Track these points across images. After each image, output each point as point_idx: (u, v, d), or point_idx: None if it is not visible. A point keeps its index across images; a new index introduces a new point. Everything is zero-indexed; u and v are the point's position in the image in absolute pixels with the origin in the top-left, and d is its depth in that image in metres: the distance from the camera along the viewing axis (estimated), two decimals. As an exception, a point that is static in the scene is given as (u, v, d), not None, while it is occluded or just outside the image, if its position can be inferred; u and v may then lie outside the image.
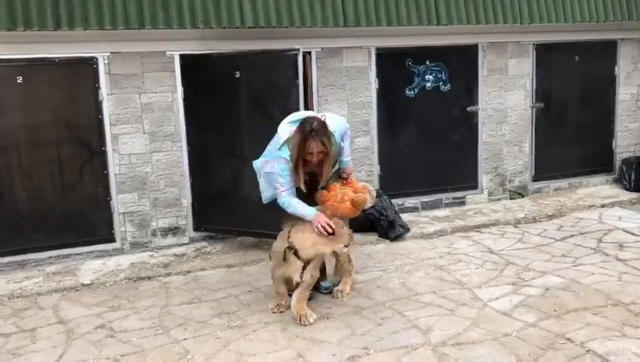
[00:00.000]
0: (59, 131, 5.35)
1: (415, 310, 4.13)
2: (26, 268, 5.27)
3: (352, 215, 4.21)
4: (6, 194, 5.26)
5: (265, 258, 4.96)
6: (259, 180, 4.30)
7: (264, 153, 4.26)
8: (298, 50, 5.23)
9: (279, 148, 3.99)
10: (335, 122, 4.17)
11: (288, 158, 3.96)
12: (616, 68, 7.40)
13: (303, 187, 4.08)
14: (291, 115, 4.15)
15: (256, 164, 4.30)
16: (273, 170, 4.06)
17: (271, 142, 4.19)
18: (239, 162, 5.40)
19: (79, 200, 5.49)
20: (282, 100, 5.25)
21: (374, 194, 4.41)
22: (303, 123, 3.92)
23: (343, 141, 4.23)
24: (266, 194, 4.28)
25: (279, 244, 4.08)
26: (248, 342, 3.76)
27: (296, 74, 5.34)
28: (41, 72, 5.24)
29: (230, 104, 5.62)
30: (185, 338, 3.84)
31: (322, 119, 4.00)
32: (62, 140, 5.37)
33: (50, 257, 5.38)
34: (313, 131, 3.85)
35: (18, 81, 5.16)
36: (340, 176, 4.32)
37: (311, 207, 4.04)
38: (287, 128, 4.01)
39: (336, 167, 4.30)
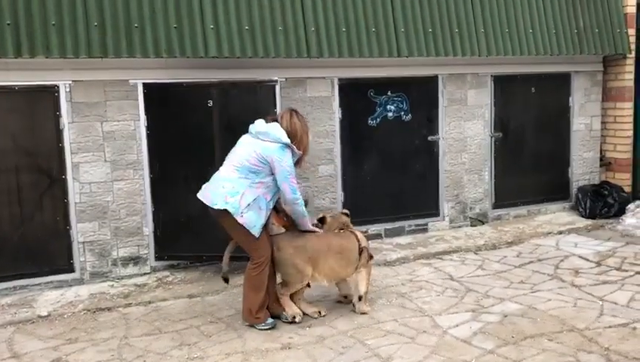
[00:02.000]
0: (18, 159, 5.27)
1: (376, 338, 4.15)
2: (-20, 300, 5.13)
3: None
4: (-40, 223, 5.14)
5: (228, 287, 4.93)
6: (242, 221, 4.18)
7: (227, 193, 4.17)
8: (276, 80, 5.54)
9: (285, 148, 4.23)
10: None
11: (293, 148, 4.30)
12: (570, 99, 7.69)
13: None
14: (258, 123, 4.37)
15: (232, 205, 4.15)
16: (265, 189, 4.25)
17: (229, 178, 4.23)
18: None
19: (38, 230, 5.38)
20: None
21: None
22: (297, 110, 4.54)
23: None
24: (258, 228, 4.23)
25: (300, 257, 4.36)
26: (209, 374, 3.73)
27: (274, 103, 5.78)
28: (2, 100, 5.17)
29: (201, 132, 5.69)
30: (142, 370, 3.78)
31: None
32: (21, 168, 5.28)
33: (6, 288, 5.24)
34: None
35: (-23, 108, 5.09)
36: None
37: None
38: (274, 127, 4.28)
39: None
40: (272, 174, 4.24)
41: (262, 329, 4.35)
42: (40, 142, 5.35)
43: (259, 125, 4.32)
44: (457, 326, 4.31)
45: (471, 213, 7.30)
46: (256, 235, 4.23)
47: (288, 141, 4.24)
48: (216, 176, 4.33)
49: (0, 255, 5.25)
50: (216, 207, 4.20)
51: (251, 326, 4.40)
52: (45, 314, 4.81)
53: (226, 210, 4.15)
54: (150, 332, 4.42)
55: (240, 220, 4.16)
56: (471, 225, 7.24)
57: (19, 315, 4.78)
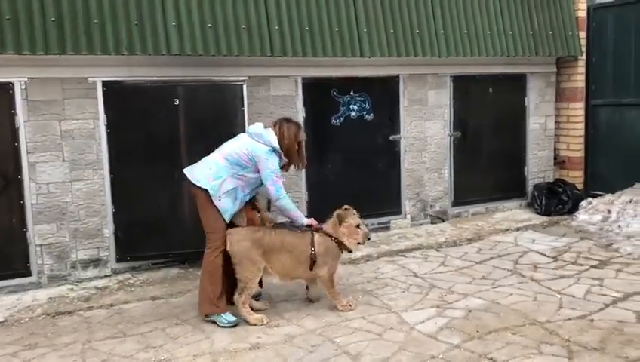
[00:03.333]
0: (-30, 159, 5.07)
1: (345, 336, 4.18)
2: None
3: None
4: None
5: (192, 289, 4.87)
6: (216, 203, 4.42)
7: (210, 175, 4.43)
8: (244, 80, 5.72)
9: (273, 152, 4.51)
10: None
11: (281, 153, 4.56)
12: (526, 99, 7.92)
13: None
14: (255, 126, 4.63)
15: (213, 186, 4.41)
16: (245, 183, 4.50)
17: (216, 162, 4.47)
18: (176, 188, 5.44)
19: (-9, 232, 5.19)
20: (227, 126, 5.50)
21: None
22: (289, 120, 4.70)
23: None
24: (229, 213, 4.49)
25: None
26: (177, 376, 3.67)
27: (242, 102, 5.92)
28: (-49, 97, 4.97)
29: (166, 131, 5.64)
30: (108, 375, 3.69)
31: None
32: (-27, 169, 5.09)
33: (-42, 294, 5.05)
34: (299, 124, 4.76)
35: None
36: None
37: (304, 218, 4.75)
38: (267, 132, 4.55)
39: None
40: (257, 172, 4.51)
41: (225, 327, 4.34)
42: (-6, 141, 5.17)
43: (256, 127, 4.60)
44: (423, 321, 4.38)
45: (431, 211, 7.42)
46: (227, 220, 4.48)
47: (277, 146, 4.54)
48: (205, 159, 4.56)
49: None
50: (198, 184, 4.43)
51: (213, 322, 4.39)
52: (1, 319, 4.64)
53: (206, 190, 4.40)
54: (114, 335, 4.32)
55: (216, 203, 4.42)
56: (431, 223, 7.37)
57: (-24, 321, 4.60)
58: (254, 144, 4.50)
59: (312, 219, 4.78)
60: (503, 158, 7.85)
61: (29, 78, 5.20)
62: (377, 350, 3.94)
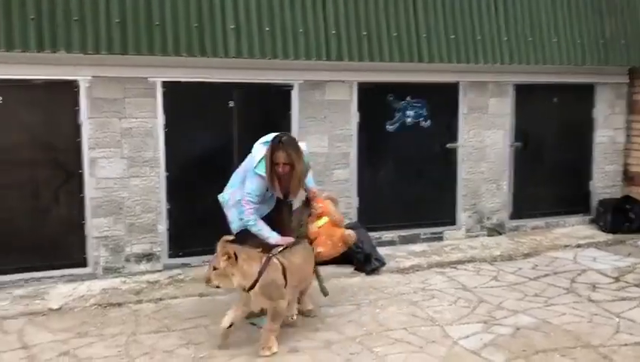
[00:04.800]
0: (36, 153, 5.32)
1: (385, 346, 4.10)
2: (-6, 290, 5.18)
3: (337, 253, 4.62)
4: (-22, 214, 5.20)
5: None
6: (226, 213, 4.44)
7: (228, 184, 4.45)
8: (293, 85, 5.73)
9: (255, 167, 4.23)
10: (305, 147, 4.47)
11: (263, 175, 4.19)
12: (594, 111, 7.54)
13: (279, 194, 4.35)
14: (264, 137, 4.38)
15: (223, 196, 4.45)
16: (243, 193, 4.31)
17: (236, 171, 4.46)
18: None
19: (53, 223, 5.42)
20: (277, 130, 5.39)
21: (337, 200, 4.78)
22: (275, 136, 4.25)
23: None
24: (235, 225, 4.41)
25: (277, 276, 4.00)
26: (214, 375, 3.71)
27: (289, 106, 5.96)
28: (21, 93, 5.23)
29: (221, 132, 5.74)
30: (145, 371, 3.78)
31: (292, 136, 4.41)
32: (39, 162, 5.34)
33: (20, 280, 5.29)
34: (281, 142, 4.19)
35: (-3, 101, 5.16)
36: (307, 198, 4.54)
37: (274, 231, 4.30)
38: (261, 148, 4.29)
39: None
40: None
41: None
42: (58, 136, 5.40)
43: (261, 140, 4.39)
44: (468, 337, 4.23)
45: (488, 223, 7.19)
46: (233, 231, 4.35)
47: (260, 171, 4.21)
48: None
49: (16, 247, 5.30)
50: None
51: (253, 324, 4.39)
52: (57, 307, 4.84)
53: None
54: (159, 329, 4.42)
55: (225, 211, 4.45)
56: (487, 235, 7.14)
57: (31, 307, 4.81)
58: (250, 158, 4.34)
59: (283, 238, 4.33)
60: (566, 171, 7.51)
61: (92, 77, 5.41)
62: (416, 363, 3.84)
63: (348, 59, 6.03)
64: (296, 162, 4.19)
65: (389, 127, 6.61)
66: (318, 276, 4.57)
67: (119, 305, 4.94)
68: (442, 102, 6.83)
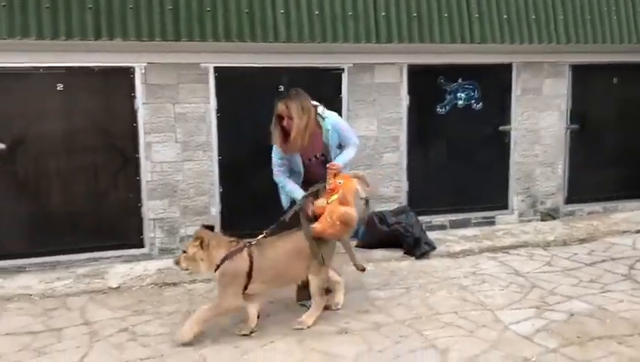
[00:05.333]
0: (95, 138, 5.53)
1: (434, 329, 4.09)
2: (58, 269, 5.44)
3: (341, 234, 4.20)
4: (43, 197, 5.45)
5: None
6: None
7: None
8: (343, 68, 5.75)
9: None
10: (333, 115, 4.42)
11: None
12: (656, 91, 7.23)
13: (301, 168, 4.35)
14: None
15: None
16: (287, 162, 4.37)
17: None
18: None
19: (111, 206, 5.64)
20: None
21: (366, 181, 4.39)
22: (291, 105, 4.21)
23: (340, 139, 4.39)
24: (283, 200, 4.55)
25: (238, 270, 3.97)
26: (265, 353, 3.79)
27: (340, 89, 5.98)
28: (81, 80, 5.43)
29: (270, 116, 5.76)
30: (204, 346, 3.89)
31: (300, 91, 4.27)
32: (97, 147, 5.55)
33: (81, 260, 5.53)
34: (282, 94, 4.32)
35: (58, 88, 5.37)
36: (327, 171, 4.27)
37: (301, 190, 4.28)
38: None
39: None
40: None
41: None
42: (116, 121, 5.59)
43: None
44: (519, 322, 4.17)
45: (541, 208, 7.03)
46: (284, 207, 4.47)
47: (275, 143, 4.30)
48: None
49: (77, 228, 5.55)
50: None
51: (303, 305, 4.46)
52: (115, 285, 5.05)
53: None
54: (212, 308, 4.54)
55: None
56: (541, 220, 6.98)
57: (92, 285, 5.04)
58: None
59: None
60: (626, 155, 7.24)
61: (147, 63, 5.56)
62: (466, 346, 3.82)
63: (398, 41, 5.96)
64: (295, 114, 4.12)
65: (440, 110, 6.52)
66: (348, 250, 4.42)
67: (174, 284, 5.11)
68: (495, 83, 6.68)
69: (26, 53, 5.21)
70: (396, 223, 5.90)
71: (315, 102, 4.34)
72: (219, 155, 5.88)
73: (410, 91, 6.36)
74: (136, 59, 5.52)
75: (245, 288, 3.97)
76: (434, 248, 5.83)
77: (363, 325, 4.19)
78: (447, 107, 6.54)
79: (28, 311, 4.54)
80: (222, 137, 5.87)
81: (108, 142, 5.58)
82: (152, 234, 5.77)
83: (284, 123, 4.18)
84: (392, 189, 6.43)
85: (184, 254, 4.02)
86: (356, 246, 6.01)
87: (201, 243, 3.95)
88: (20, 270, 5.39)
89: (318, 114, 4.30)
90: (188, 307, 4.57)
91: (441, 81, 6.48)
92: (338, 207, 4.05)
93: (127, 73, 5.53)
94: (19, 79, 5.28)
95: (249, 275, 3.96)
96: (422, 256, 5.70)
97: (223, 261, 3.94)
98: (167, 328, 4.20)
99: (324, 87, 5.98)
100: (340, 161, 4.34)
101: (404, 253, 5.78)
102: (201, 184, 5.88)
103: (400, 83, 6.32)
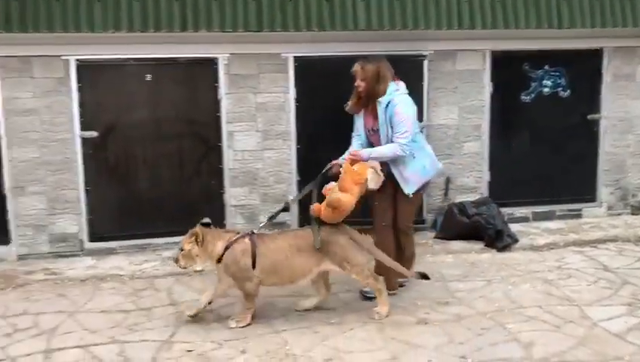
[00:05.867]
0: (180, 126, 5.74)
1: (517, 323, 3.98)
2: (146, 251, 5.70)
3: (334, 219, 4.08)
4: (132, 183, 5.73)
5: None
6: None
7: None
8: (425, 55, 5.71)
9: None
10: (402, 98, 4.21)
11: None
12: None
13: (363, 134, 4.38)
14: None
15: None
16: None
17: None
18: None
19: (195, 192, 5.84)
20: None
21: (379, 171, 4.11)
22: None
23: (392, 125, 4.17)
24: None
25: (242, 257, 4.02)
26: (345, 340, 3.82)
27: (421, 77, 5.91)
28: (167, 71, 5.65)
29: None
30: (284, 329, 3.98)
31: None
32: (183, 135, 5.75)
33: (167, 243, 5.76)
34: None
35: (147, 78, 5.60)
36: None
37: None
38: None
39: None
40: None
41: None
42: (200, 111, 5.78)
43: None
44: (610, 319, 3.99)
45: (633, 201, 6.66)
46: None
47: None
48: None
49: (163, 213, 5.78)
50: None
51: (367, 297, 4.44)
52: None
53: None
54: (292, 293, 4.57)
55: None
56: (632, 214, 6.62)
57: (177, 268, 5.22)
58: None
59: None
60: None
61: (230, 54, 5.70)
62: (552, 342, 3.69)
63: (481, 26, 5.80)
64: (369, 77, 4.17)
65: (525, 98, 6.30)
66: (395, 266, 4.30)
67: (255, 269, 5.22)
68: (583, 70, 6.37)
69: (118, 45, 5.47)
70: (477, 214, 5.77)
71: (400, 82, 4.29)
72: (297, 144, 5.95)
73: (494, 78, 6.17)
74: (220, 50, 5.67)
75: None
76: (516, 241, 5.66)
77: (443, 316, 4.13)
78: (533, 95, 6.30)
79: (119, 291, 4.79)
80: (300, 126, 5.93)
81: (192, 131, 5.78)
82: (233, 220, 5.93)
83: (356, 83, 4.26)
84: (472, 179, 6.29)
85: (182, 252, 4.05)
86: (434, 237, 5.96)
87: (196, 239, 4.00)
88: (111, 252, 5.70)
89: (395, 88, 4.21)
90: (266, 292, 4.65)
91: (527, 67, 6.25)
92: (334, 192, 4.00)
93: (211, 64, 5.69)
94: (110, 70, 5.56)
95: (252, 263, 3.98)
96: (504, 248, 5.55)
97: (224, 251, 3.98)
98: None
99: (405, 74, 5.84)
100: (366, 152, 4.24)
101: (485, 245, 5.65)
102: (280, 172, 5.98)
103: (483, 70, 6.15)
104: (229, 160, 5.86)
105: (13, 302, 4.60)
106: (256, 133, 5.88)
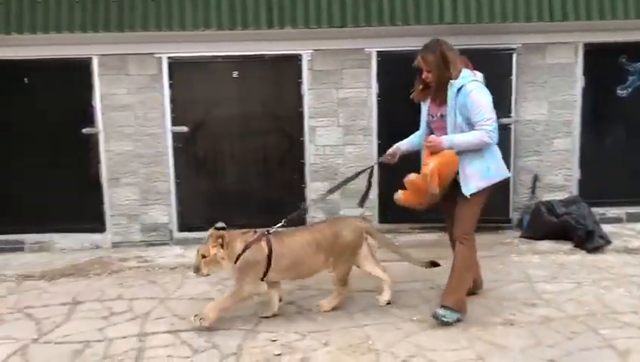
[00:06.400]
0: (265, 122, 5.88)
1: (612, 329, 3.79)
2: (230, 243, 5.86)
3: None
4: (219, 176, 5.93)
5: (447, 256, 4.88)
6: None
7: None
8: (514, 49, 5.53)
9: None
10: (477, 84, 3.84)
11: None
12: None
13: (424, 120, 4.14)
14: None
15: None
16: None
17: None
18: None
19: (278, 186, 5.96)
20: (495, 96, 5.18)
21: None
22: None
23: (469, 111, 3.78)
24: None
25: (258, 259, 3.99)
26: (428, 337, 3.78)
27: (510, 71, 5.66)
28: (253, 68, 5.79)
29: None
30: (366, 324, 3.98)
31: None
32: (267, 130, 5.89)
33: (251, 235, 5.92)
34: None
35: (234, 75, 5.77)
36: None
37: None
38: None
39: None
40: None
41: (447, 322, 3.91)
42: (284, 107, 5.89)
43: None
44: None
45: None
46: None
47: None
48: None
49: (247, 206, 5.94)
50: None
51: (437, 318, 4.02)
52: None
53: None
54: (374, 288, 4.60)
55: None
56: None
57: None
58: None
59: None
60: None
61: (313, 50, 5.76)
62: (652, 350, 3.49)
63: (574, 18, 5.55)
64: (433, 66, 3.85)
65: (621, 92, 5.97)
66: (404, 257, 4.42)
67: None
68: (687, 62, 5.96)
69: (207, 43, 5.67)
70: (566, 214, 5.54)
71: (478, 72, 3.97)
72: (378, 139, 5.94)
73: (586, 72, 5.90)
74: (304, 47, 5.74)
75: (264, 275, 3.99)
76: (609, 242, 5.39)
77: (530, 318, 4.00)
78: (630, 89, 5.96)
79: (206, 280, 4.91)
80: (382, 122, 5.91)
81: (276, 126, 5.90)
82: (314, 214, 6.01)
83: (424, 75, 3.97)
84: (561, 177, 6.04)
85: (204, 259, 3.92)
86: (520, 236, 5.78)
87: (222, 241, 3.92)
88: (199, 242, 5.88)
89: (470, 75, 3.86)
90: (356, 284, 4.67)
91: (623, 60, 5.92)
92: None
93: (295, 60, 5.78)
94: (200, 68, 5.77)
95: (268, 263, 3.96)
96: (595, 249, 5.30)
97: (243, 250, 3.93)
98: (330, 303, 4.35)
99: (493, 69, 5.70)
100: (446, 139, 3.81)
101: (574, 246, 5.42)
102: (360, 167, 5.96)
103: (575, 63, 5.89)
104: (311, 155, 5.94)
105: (108, 287, 4.88)
106: (338, 129, 5.92)
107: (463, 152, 3.82)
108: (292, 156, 5.95)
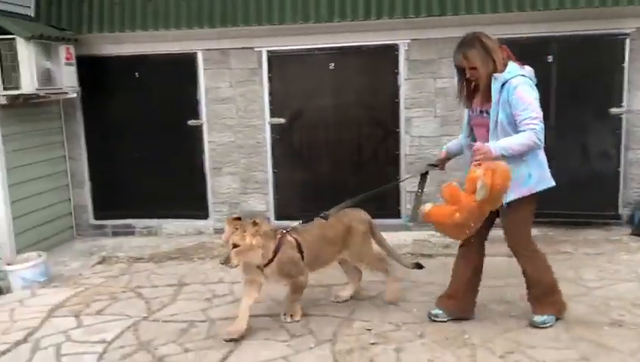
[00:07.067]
0: (361, 113, 5.91)
1: None
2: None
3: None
4: (314, 167, 6.05)
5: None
6: None
7: None
8: (628, 34, 5.20)
9: None
10: (520, 78, 3.41)
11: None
12: None
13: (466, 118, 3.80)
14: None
15: None
16: None
17: None
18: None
19: (372, 177, 5.96)
20: (603, 85, 4.91)
21: (487, 182, 3.17)
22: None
23: (512, 107, 3.39)
24: None
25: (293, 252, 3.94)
26: (527, 334, 3.67)
27: (622, 57, 5.42)
28: (349, 59, 5.83)
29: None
30: (462, 318, 3.92)
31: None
32: (363, 121, 5.92)
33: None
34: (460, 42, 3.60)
35: (330, 67, 5.84)
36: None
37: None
38: None
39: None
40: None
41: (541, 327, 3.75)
42: (379, 97, 5.90)
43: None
44: None
45: None
46: None
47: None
48: None
49: (340, 196, 5.89)
50: None
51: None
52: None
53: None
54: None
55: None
56: None
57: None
58: None
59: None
60: None
61: (411, 40, 5.70)
62: None
63: (696, -1, 5.12)
64: (478, 62, 3.45)
65: None
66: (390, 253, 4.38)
67: (430, 256, 5.23)
68: None
69: (304, 36, 5.78)
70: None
71: (527, 67, 3.57)
72: (480, 130, 5.78)
73: None
74: (401, 37, 5.71)
75: None
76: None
77: (640, 320, 3.78)
78: None
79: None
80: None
81: (371, 117, 5.92)
82: (408, 206, 5.97)
83: (468, 75, 3.57)
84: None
85: (235, 249, 3.62)
86: (630, 234, 5.45)
87: (257, 228, 3.65)
88: (294, 230, 6.06)
89: (517, 69, 3.47)
90: (442, 278, 4.61)
91: None
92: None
93: (392, 50, 5.76)
94: (297, 60, 5.89)
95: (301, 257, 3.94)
96: None
97: (274, 254, 3.79)
98: (425, 296, 4.33)
99: (602, 56, 5.43)
100: (497, 147, 3.34)
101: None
102: (457, 159, 5.84)
103: (696, 48, 5.44)
104: (406, 146, 5.90)
105: (211, 270, 5.13)
106: (435, 119, 5.84)
107: (504, 156, 3.37)
108: (387, 147, 5.95)
